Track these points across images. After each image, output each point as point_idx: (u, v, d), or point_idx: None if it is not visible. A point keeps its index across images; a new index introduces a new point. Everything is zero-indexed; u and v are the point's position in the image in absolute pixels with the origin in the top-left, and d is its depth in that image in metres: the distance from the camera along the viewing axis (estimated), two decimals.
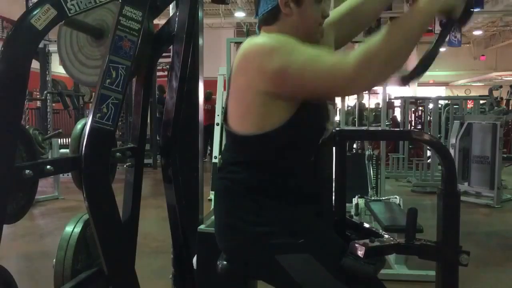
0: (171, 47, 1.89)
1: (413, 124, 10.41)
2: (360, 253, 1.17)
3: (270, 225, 1.21)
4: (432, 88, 21.06)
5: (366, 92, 7.36)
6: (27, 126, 5.31)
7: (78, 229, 1.76)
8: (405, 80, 1.17)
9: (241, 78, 1.23)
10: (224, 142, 5.61)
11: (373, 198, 3.65)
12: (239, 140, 1.27)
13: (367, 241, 1.21)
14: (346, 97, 5.97)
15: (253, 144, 1.24)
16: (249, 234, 1.23)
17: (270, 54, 1.15)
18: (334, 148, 1.45)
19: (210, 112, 7.51)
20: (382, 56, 1.08)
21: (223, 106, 1.37)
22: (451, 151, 5.59)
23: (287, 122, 1.20)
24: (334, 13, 1.44)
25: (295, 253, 1.20)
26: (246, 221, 1.23)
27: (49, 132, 6.62)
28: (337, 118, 5.12)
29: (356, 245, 1.18)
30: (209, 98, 9.06)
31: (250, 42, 1.23)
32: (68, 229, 1.77)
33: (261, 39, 1.23)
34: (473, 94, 15.61)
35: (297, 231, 1.21)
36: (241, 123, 1.26)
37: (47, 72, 6.82)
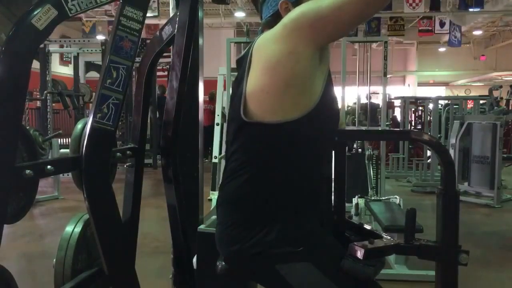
0: (171, 47, 1.90)
1: (413, 124, 10.41)
2: (360, 255, 1.16)
3: (271, 235, 1.20)
4: (432, 88, 21.05)
5: (368, 89, 7.37)
6: (27, 127, 5.31)
7: (78, 229, 1.76)
8: None
9: (275, 55, 1.19)
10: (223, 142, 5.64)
11: (373, 198, 3.66)
12: (261, 132, 1.22)
13: (366, 242, 1.20)
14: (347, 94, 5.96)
15: (283, 133, 1.21)
16: (250, 244, 1.21)
17: (297, 13, 1.18)
18: (334, 148, 1.45)
19: (213, 113, 7.40)
20: None
21: (241, 96, 1.29)
22: (451, 151, 5.60)
23: (319, 101, 1.20)
24: None
25: (295, 262, 1.19)
26: (249, 233, 1.22)
27: (49, 132, 6.63)
28: None
29: (355, 247, 1.18)
30: (213, 98, 8.94)
31: (266, 33, 1.25)
32: (68, 229, 1.77)
33: (275, 27, 1.24)
34: (473, 94, 15.61)
35: (298, 240, 1.20)
36: (272, 109, 1.20)
37: (47, 72, 6.83)
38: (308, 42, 1.17)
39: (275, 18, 1.29)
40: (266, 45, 1.23)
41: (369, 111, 6.69)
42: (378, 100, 11.01)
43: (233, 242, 1.25)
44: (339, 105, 5.12)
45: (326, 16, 1.15)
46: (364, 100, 8.15)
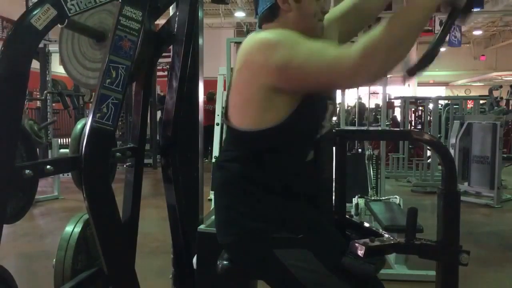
0: (171, 47, 1.89)
1: (413, 124, 10.41)
2: (361, 252, 1.16)
3: (269, 220, 1.22)
4: (432, 88, 21.05)
5: (368, 89, 7.39)
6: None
7: (78, 229, 1.76)
8: (411, 72, 1.14)
9: (245, 72, 1.22)
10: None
11: (373, 198, 3.65)
12: (239, 135, 1.27)
13: (367, 240, 1.20)
14: (347, 93, 5.99)
15: (251, 140, 1.24)
16: (248, 229, 1.23)
17: (275, 48, 1.15)
18: (334, 148, 1.45)
19: (212, 113, 7.40)
20: (384, 47, 1.06)
21: (223, 104, 1.40)
22: (451, 151, 5.59)
23: (286, 119, 1.20)
24: (338, 8, 1.46)
25: (294, 248, 1.20)
26: (245, 216, 1.24)
27: (49, 132, 6.62)
28: (336, 118, 5.13)
29: (356, 244, 1.18)
30: (212, 98, 8.96)
31: (254, 37, 1.23)
32: (68, 229, 1.77)
33: (264, 34, 1.23)
34: (473, 94, 15.61)
35: (297, 227, 1.22)
36: (241, 118, 1.25)
37: (47, 72, 6.82)
38: (270, 85, 1.18)
39: (273, 10, 1.26)
40: (240, 57, 1.24)
41: (357, 112, 6.81)
42: (378, 100, 11.02)
43: (229, 227, 1.27)
44: (339, 105, 5.12)
45: (292, 71, 1.14)
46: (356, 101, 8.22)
